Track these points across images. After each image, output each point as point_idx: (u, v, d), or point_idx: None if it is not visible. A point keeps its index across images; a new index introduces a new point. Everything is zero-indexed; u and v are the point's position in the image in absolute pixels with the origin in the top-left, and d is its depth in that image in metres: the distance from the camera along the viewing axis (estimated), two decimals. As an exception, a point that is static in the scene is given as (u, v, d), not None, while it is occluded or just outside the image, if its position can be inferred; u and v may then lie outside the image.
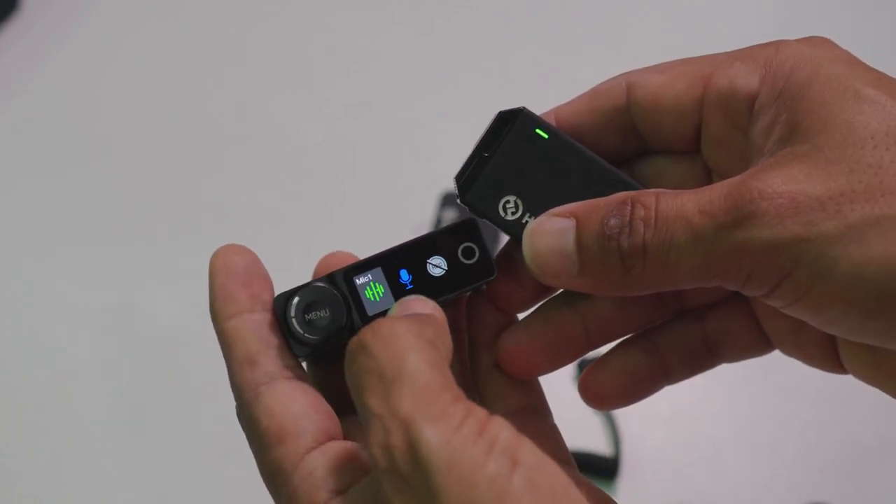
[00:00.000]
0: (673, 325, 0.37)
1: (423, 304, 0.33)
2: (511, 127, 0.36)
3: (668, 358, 0.37)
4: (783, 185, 0.30)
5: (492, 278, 0.35)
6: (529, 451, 0.27)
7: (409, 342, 0.29)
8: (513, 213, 0.35)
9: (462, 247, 0.35)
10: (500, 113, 0.36)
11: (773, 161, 0.31)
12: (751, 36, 0.37)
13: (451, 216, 0.77)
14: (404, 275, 0.35)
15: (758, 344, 0.37)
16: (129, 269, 0.80)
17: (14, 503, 0.68)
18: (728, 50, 0.35)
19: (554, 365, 0.37)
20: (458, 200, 0.36)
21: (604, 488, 0.65)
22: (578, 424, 0.68)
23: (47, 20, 0.98)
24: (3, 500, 0.68)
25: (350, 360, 0.29)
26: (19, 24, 0.97)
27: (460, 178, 0.36)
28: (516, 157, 0.36)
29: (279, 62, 0.95)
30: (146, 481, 0.68)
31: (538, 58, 0.94)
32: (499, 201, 0.36)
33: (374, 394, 0.28)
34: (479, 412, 0.27)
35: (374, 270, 0.35)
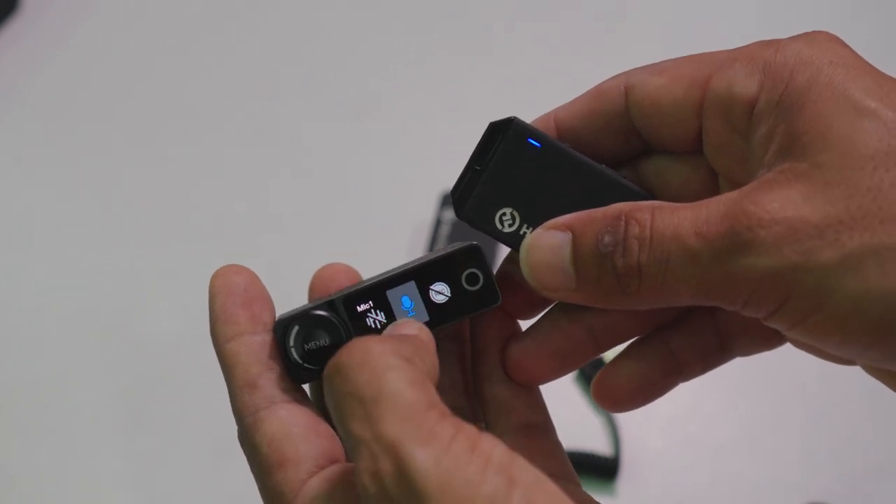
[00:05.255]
0: (683, 322, 0.37)
1: (408, 326, 0.32)
2: (502, 138, 0.35)
3: (680, 356, 0.36)
4: (781, 210, 0.29)
5: (496, 305, 0.35)
6: (525, 469, 0.26)
7: (387, 361, 0.28)
8: (510, 226, 0.35)
9: (466, 273, 0.34)
10: (491, 124, 0.36)
11: (771, 178, 0.30)
12: (749, 32, 0.37)
13: (451, 216, 0.77)
14: (406, 301, 0.34)
15: (770, 337, 0.36)
16: (130, 270, 0.79)
17: (14, 503, 0.68)
18: (729, 47, 0.34)
19: (562, 371, 0.36)
20: (455, 215, 0.36)
21: (604, 488, 0.66)
22: (578, 424, 0.68)
23: (47, 20, 0.98)
24: (3, 500, 0.68)
25: (327, 384, 0.29)
26: (19, 24, 0.97)
27: (455, 192, 0.36)
28: (510, 168, 0.35)
29: (279, 63, 0.95)
30: (146, 482, 0.68)
31: (539, 57, 0.94)
32: (495, 214, 0.35)
33: (355, 418, 0.27)
34: (469, 429, 0.27)
35: (376, 298, 0.34)
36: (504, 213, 0.35)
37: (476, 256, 0.35)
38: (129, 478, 0.68)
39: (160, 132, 0.90)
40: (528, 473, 0.26)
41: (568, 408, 0.69)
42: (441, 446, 0.26)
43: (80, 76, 0.94)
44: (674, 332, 0.36)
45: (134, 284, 0.78)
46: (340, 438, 0.28)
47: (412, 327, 0.32)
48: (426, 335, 0.31)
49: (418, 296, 0.34)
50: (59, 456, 0.69)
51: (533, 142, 0.35)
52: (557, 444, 0.36)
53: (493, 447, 0.26)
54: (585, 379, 0.69)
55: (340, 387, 0.28)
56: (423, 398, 0.27)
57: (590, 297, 0.33)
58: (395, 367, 0.28)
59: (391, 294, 0.34)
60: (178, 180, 0.85)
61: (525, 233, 0.34)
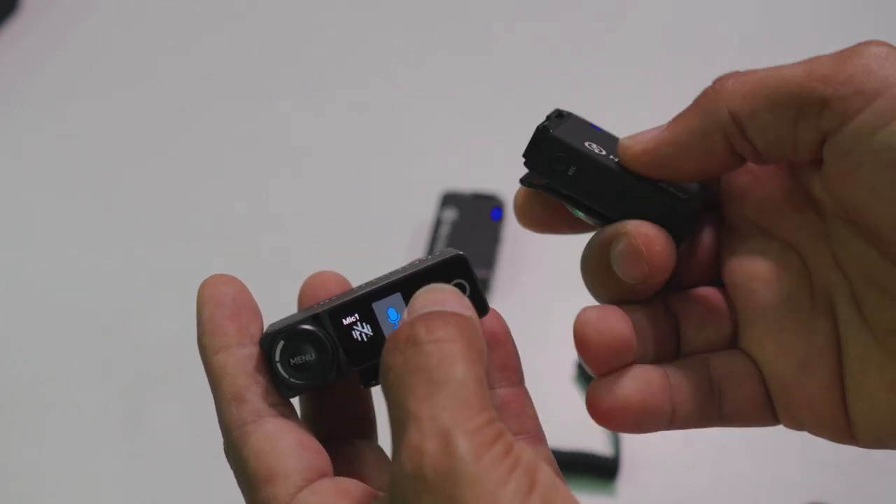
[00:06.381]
0: (682, 363, 0.36)
1: (461, 304, 0.31)
2: (569, 116, 0.36)
3: (677, 390, 0.36)
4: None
5: (484, 315, 0.34)
6: (545, 472, 0.28)
7: (462, 352, 0.29)
8: (599, 151, 0.35)
9: (452, 284, 0.34)
10: (557, 110, 0.36)
11: None
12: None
13: (451, 216, 0.76)
14: (392, 314, 0.34)
15: (762, 410, 0.36)
16: (130, 270, 0.79)
17: (14, 503, 0.68)
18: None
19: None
20: (537, 144, 0.35)
21: (604, 488, 0.65)
22: (578, 424, 0.68)
23: (47, 20, 0.98)
24: (3, 500, 0.68)
25: (396, 352, 0.29)
26: (19, 24, 0.97)
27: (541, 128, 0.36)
28: (582, 133, 0.35)
29: (279, 63, 0.95)
30: (146, 482, 0.68)
31: (539, 57, 0.94)
32: (584, 141, 0.35)
33: (415, 394, 0.28)
34: (508, 436, 0.28)
35: (362, 311, 0.34)
36: (591, 145, 0.35)
37: (462, 266, 0.34)
38: (129, 478, 0.68)
39: (160, 132, 0.90)
40: (547, 477, 0.27)
41: (568, 408, 0.69)
42: (485, 444, 0.27)
43: (79, 76, 0.94)
44: (674, 367, 0.36)
45: (134, 284, 0.78)
46: (389, 412, 0.28)
47: (465, 306, 0.31)
48: (476, 318, 0.31)
49: (404, 308, 0.33)
50: (59, 456, 0.69)
51: (594, 126, 0.36)
52: (547, 452, 0.36)
53: (522, 452, 0.28)
54: (585, 379, 0.69)
55: (412, 359, 0.29)
56: (483, 398, 0.28)
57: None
58: (468, 359, 0.29)
59: (377, 306, 0.34)
60: (177, 180, 0.86)
61: (614, 157, 0.35)
